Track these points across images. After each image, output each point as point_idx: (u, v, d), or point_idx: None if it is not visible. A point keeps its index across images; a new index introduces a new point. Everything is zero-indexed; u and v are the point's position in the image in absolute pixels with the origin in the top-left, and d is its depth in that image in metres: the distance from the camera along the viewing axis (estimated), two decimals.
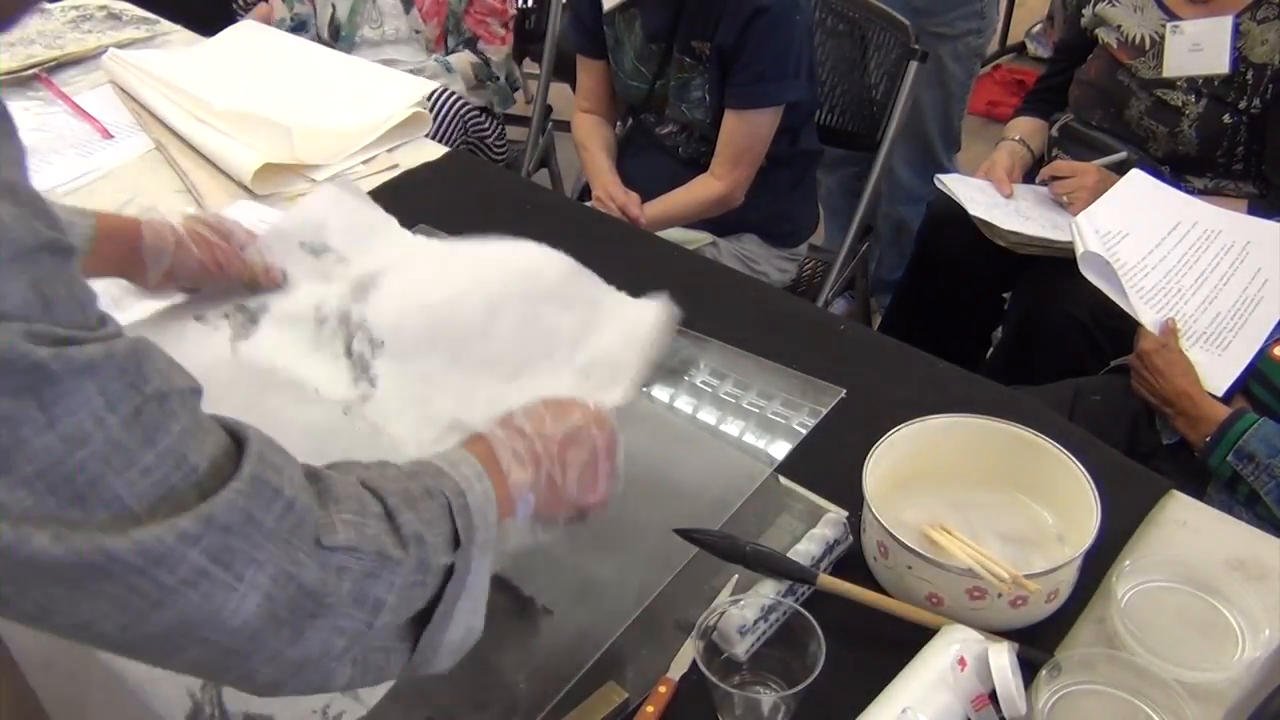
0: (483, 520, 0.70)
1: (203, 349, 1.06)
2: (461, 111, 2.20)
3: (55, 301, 0.51)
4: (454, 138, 2.19)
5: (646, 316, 1.06)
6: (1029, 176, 1.96)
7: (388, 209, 1.51)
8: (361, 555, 0.61)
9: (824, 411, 1.16)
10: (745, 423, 1.17)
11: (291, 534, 0.58)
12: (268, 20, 2.27)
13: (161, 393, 0.55)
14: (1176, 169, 1.81)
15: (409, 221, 1.49)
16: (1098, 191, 1.69)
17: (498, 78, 2.32)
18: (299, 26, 2.30)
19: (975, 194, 1.85)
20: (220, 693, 0.86)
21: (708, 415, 1.18)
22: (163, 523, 0.53)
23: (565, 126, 2.22)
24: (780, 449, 1.13)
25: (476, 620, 0.70)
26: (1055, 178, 1.83)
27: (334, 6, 2.26)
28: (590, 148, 1.97)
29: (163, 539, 0.53)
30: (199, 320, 1.10)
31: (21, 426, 0.49)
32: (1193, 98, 1.75)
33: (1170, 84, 1.77)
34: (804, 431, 1.14)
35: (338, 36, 2.28)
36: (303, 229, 1.17)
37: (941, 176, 1.89)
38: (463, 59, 2.28)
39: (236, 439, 0.59)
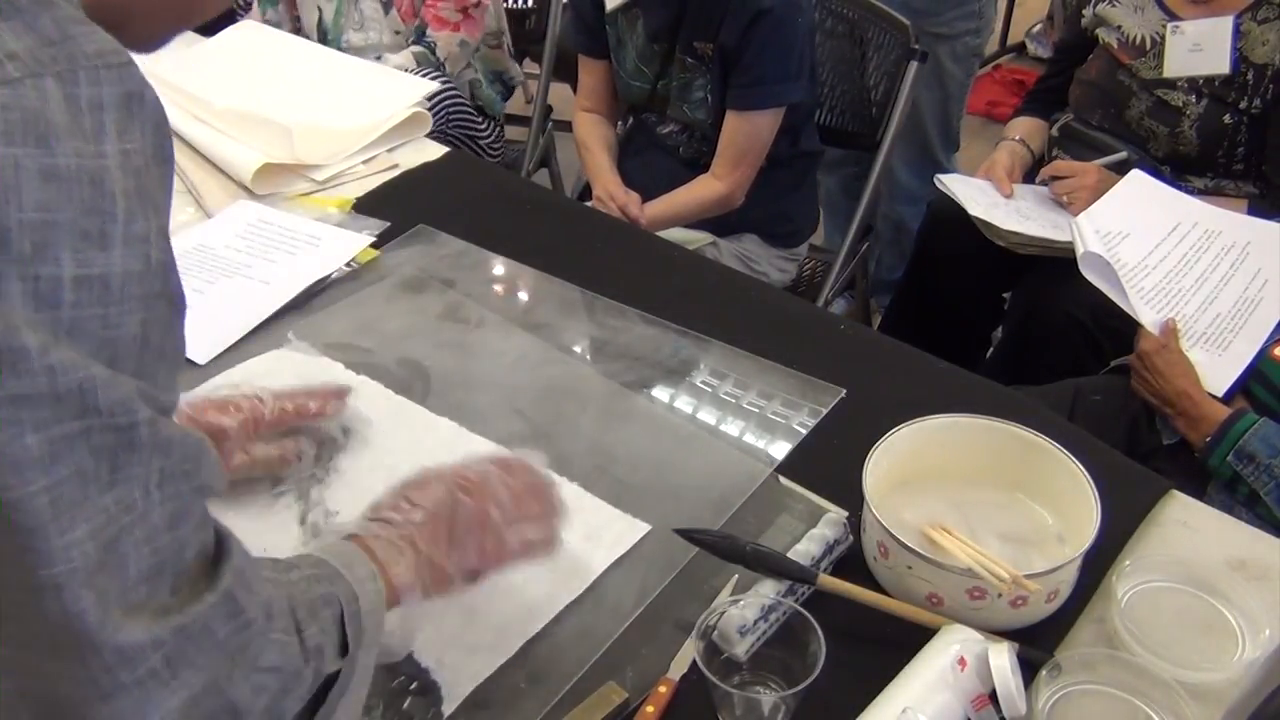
0: (373, 623, 0.71)
1: None
2: (444, 100, 2.14)
3: (149, 347, 0.54)
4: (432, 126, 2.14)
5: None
6: (1029, 176, 1.96)
7: (388, 209, 1.52)
8: (282, 675, 0.62)
9: (824, 411, 1.16)
10: (745, 423, 1.17)
11: (237, 652, 0.59)
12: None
13: (202, 487, 0.58)
14: (1177, 169, 1.81)
15: (409, 222, 1.49)
16: (1098, 191, 1.69)
17: (442, 65, 2.22)
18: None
19: (975, 194, 1.85)
20: None
21: (708, 415, 1.18)
22: (144, 626, 0.54)
23: (565, 126, 2.22)
24: (780, 449, 1.13)
25: (356, 714, 0.71)
26: (1055, 178, 1.83)
27: (319, 10, 2.24)
28: (591, 147, 1.97)
29: (141, 644, 0.54)
30: None
31: (89, 484, 0.52)
32: (1193, 98, 1.76)
33: (1171, 84, 1.77)
34: (804, 431, 1.14)
35: (324, 41, 2.27)
36: (247, 379, 1.17)
37: (941, 177, 1.89)
38: (404, 55, 2.19)
39: (219, 544, 0.61)
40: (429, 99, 2.05)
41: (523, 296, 1.39)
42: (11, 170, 0.48)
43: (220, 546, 0.60)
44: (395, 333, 1.29)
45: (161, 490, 0.55)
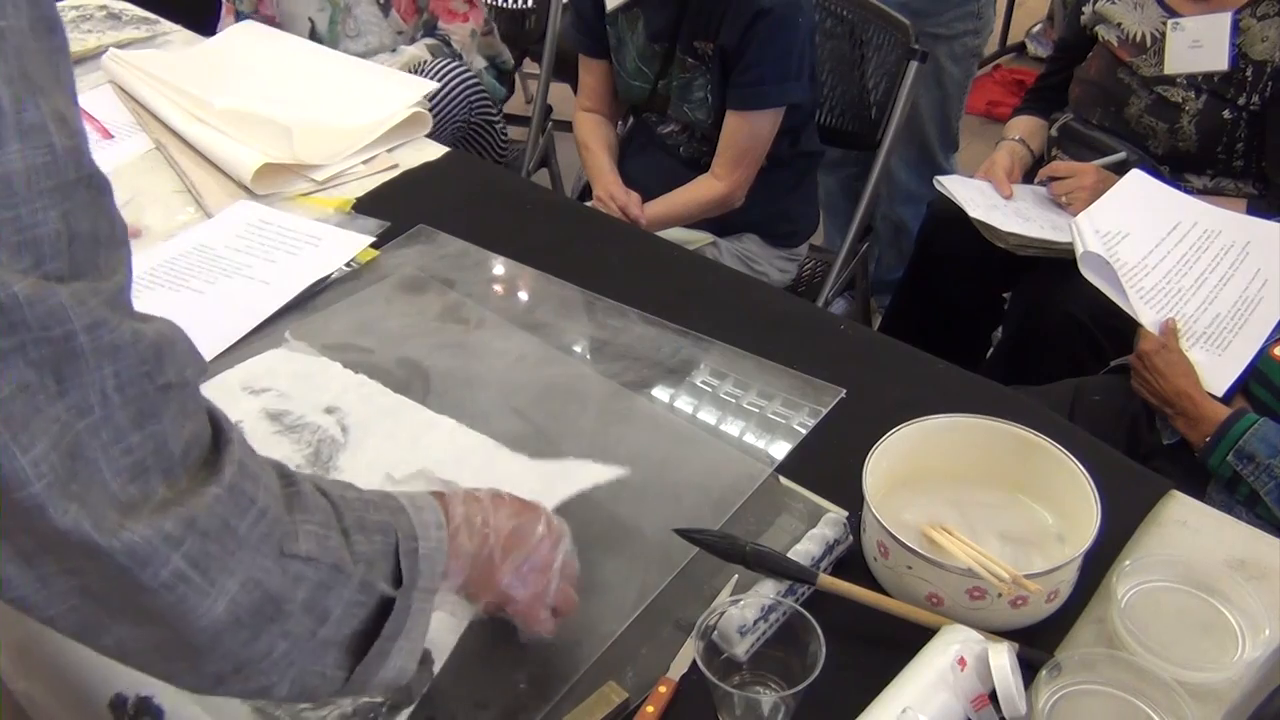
0: (429, 569, 0.71)
1: None
2: (466, 88, 2.14)
3: (78, 239, 0.52)
4: (457, 115, 2.13)
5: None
6: (1029, 176, 1.96)
7: (388, 209, 1.52)
8: (319, 566, 0.62)
9: (824, 411, 1.16)
10: (745, 423, 1.17)
11: (261, 542, 0.59)
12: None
13: (169, 384, 0.55)
14: (1176, 168, 1.81)
15: (409, 222, 1.49)
16: (1096, 192, 1.70)
17: (460, 55, 2.23)
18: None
19: (974, 195, 1.85)
20: None
21: (708, 415, 1.18)
22: (147, 522, 0.53)
23: (565, 126, 2.21)
24: (780, 449, 1.13)
25: (410, 663, 0.71)
26: (1054, 178, 1.83)
27: (312, 21, 2.23)
28: (592, 147, 1.97)
29: (150, 540, 0.53)
30: None
31: (36, 395, 0.50)
32: (1193, 94, 1.76)
33: (1170, 81, 1.78)
34: (804, 431, 1.14)
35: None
36: (249, 377, 1.19)
37: (941, 179, 1.89)
38: (419, 47, 2.20)
39: (218, 434, 0.60)
40: (451, 88, 2.04)
41: (522, 296, 1.39)
42: None
43: (219, 436, 0.59)
44: (395, 333, 1.29)
45: (121, 394, 0.53)
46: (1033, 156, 1.99)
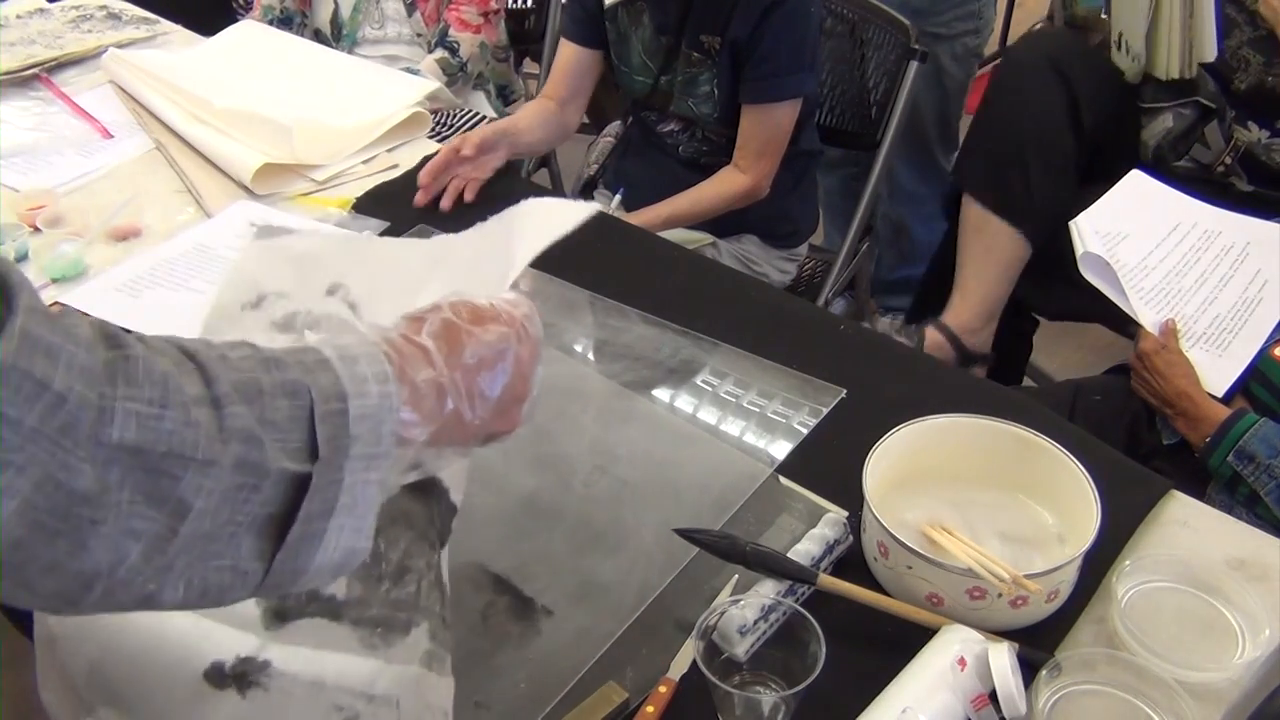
0: (368, 430, 0.60)
1: None
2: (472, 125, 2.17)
3: None
4: None
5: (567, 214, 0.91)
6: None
7: (388, 209, 1.52)
8: (147, 455, 0.52)
9: (824, 411, 1.16)
10: (746, 423, 1.17)
11: (61, 434, 0.49)
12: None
13: None
14: (1246, 110, 1.78)
15: (409, 223, 1.49)
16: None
17: (465, 65, 2.25)
18: (284, 21, 2.30)
19: None
20: None
21: (709, 415, 1.18)
22: None
23: (575, 130, 2.21)
24: (781, 449, 1.13)
25: (360, 541, 0.62)
26: None
27: (336, 4, 2.26)
28: (521, 114, 1.89)
29: None
30: None
31: None
32: None
33: None
34: (804, 431, 1.14)
35: (339, 36, 2.28)
36: (238, 291, 1.10)
37: None
38: (428, 61, 2.22)
39: (4, 294, 0.50)
40: (462, 121, 2.05)
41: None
42: None
43: (5, 300, 0.50)
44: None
45: None
46: None
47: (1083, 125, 1.82)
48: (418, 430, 0.65)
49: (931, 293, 2.12)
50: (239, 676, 0.80)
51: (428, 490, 0.83)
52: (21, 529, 0.49)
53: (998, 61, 1.99)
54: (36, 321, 0.50)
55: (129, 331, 0.57)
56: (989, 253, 1.92)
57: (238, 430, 0.55)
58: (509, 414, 0.74)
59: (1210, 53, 1.76)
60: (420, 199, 1.53)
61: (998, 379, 1.98)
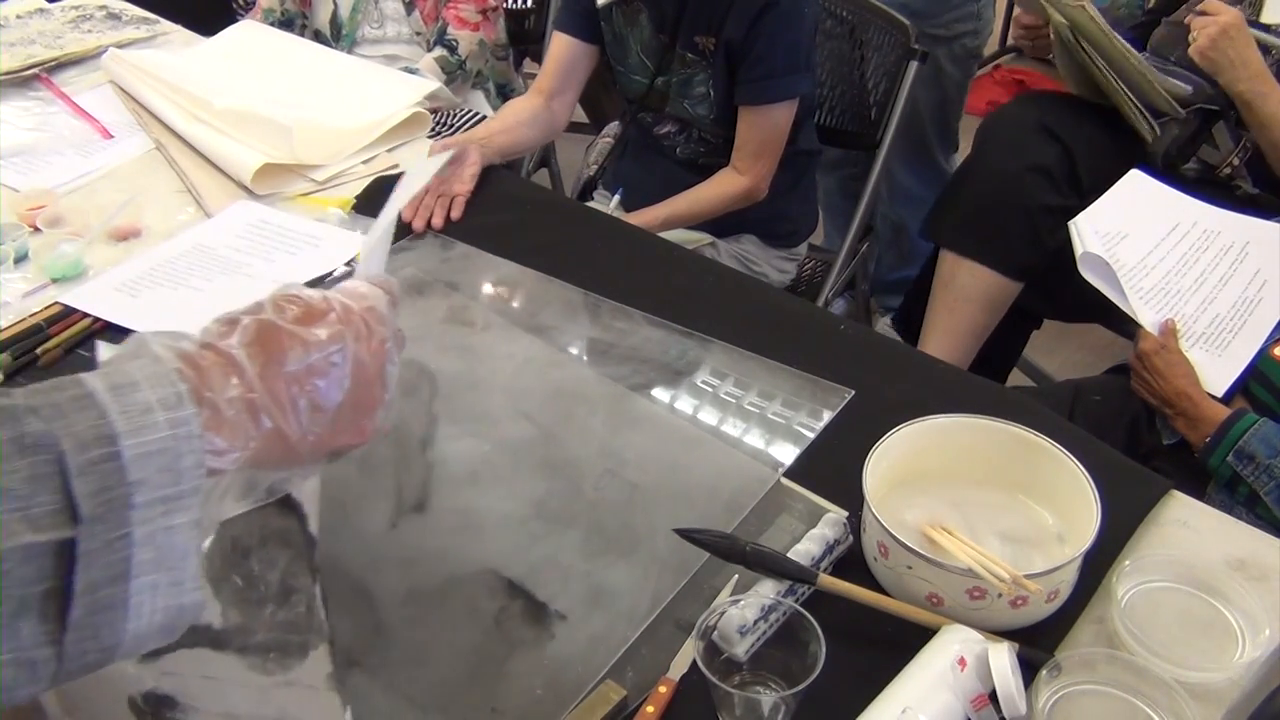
0: (157, 469, 0.51)
1: None
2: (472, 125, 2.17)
3: None
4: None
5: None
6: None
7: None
8: None
9: (832, 414, 1.16)
10: (750, 424, 1.17)
11: None
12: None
13: None
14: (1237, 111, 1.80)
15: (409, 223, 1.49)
16: (1226, 32, 1.66)
17: (464, 63, 2.25)
18: (285, 23, 2.30)
19: None
20: None
21: (715, 418, 1.18)
22: None
23: (565, 126, 2.21)
24: (788, 451, 1.12)
25: (184, 596, 0.53)
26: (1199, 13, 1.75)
27: (335, 4, 2.26)
28: (503, 111, 1.87)
29: None
30: None
31: None
32: (1277, 38, 1.75)
33: (1264, 28, 1.77)
34: (811, 435, 1.14)
35: (338, 36, 2.28)
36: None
37: None
38: (427, 59, 2.22)
39: None
40: (462, 121, 2.05)
41: (527, 299, 1.39)
42: None
43: None
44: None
45: None
46: None
47: (1080, 180, 1.82)
48: (229, 457, 0.57)
49: (917, 305, 2.12)
50: (154, 711, 0.76)
51: (292, 511, 0.73)
52: None
53: (984, 119, 1.97)
54: None
55: None
56: (951, 313, 1.90)
57: None
58: (357, 425, 0.65)
59: (1178, 92, 1.78)
60: (417, 226, 1.49)
61: (983, 374, 1.99)
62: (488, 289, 1.39)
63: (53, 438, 0.49)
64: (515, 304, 1.38)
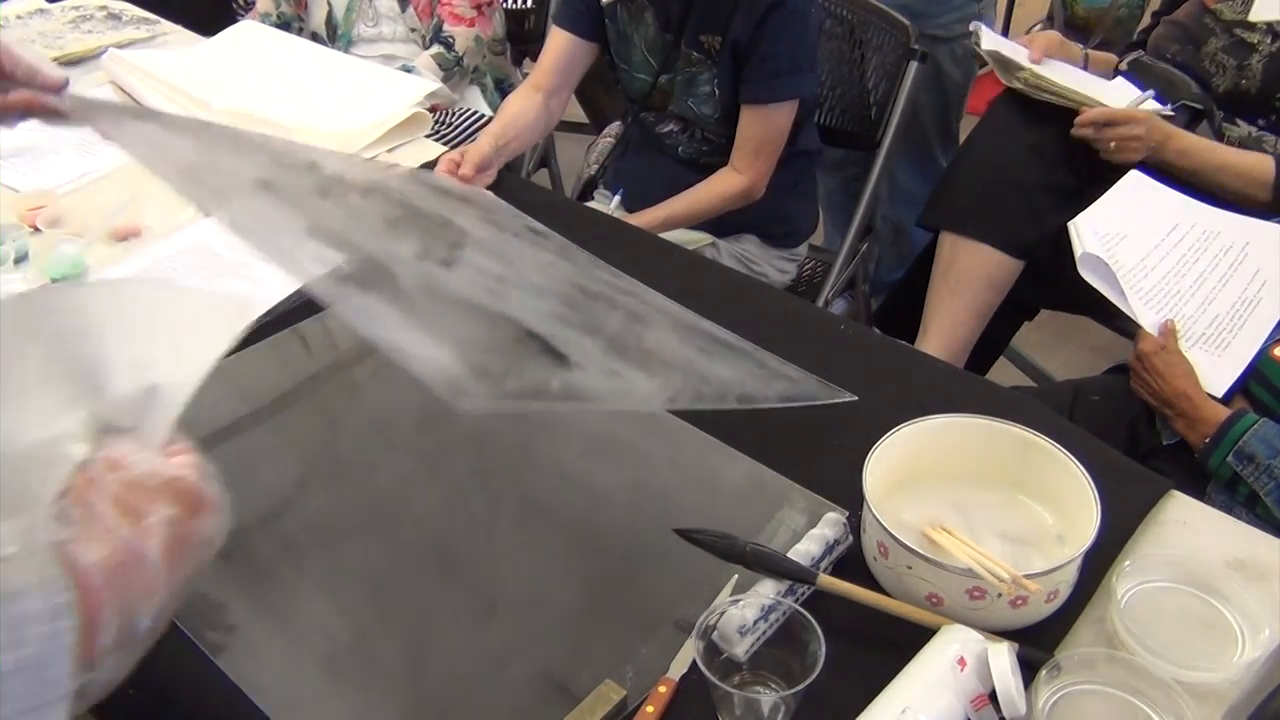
0: (22, 685, 0.49)
1: None
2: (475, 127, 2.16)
3: None
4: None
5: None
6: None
7: None
8: None
9: (825, 400, 1.14)
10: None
11: None
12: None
13: None
14: (1230, 109, 1.82)
15: None
16: (1145, 141, 1.69)
17: (461, 60, 2.25)
18: (282, 26, 2.30)
19: (1002, 45, 1.84)
20: None
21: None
22: None
23: (565, 127, 2.21)
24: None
25: None
26: (1106, 124, 1.74)
27: (330, 5, 2.26)
28: (502, 111, 1.85)
29: None
30: None
31: None
32: (1269, 39, 1.78)
33: (1251, 26, 1.80)
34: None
35: (335, 36, 2.29)
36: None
37: (977, 24, 1.89)
38: (424, 57, 2.22)
39: None
40: (462, 121, 2.04)
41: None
42: None
43: None
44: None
45: None
46: (1084, 66, 1.96)
47: (1077, 161, 1.83)
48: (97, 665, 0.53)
49: (902, 304, 2.12)
50: None
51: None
52: None
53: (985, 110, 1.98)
54: None
55: None
56: (953, 295, 1.90)
57: None
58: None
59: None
60: None
61: (971, 363, 2.01)
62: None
63: None
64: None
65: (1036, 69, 1.80)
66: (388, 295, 0.90)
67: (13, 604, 0.48)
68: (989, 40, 1.87)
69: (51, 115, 0.92)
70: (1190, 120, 1.84)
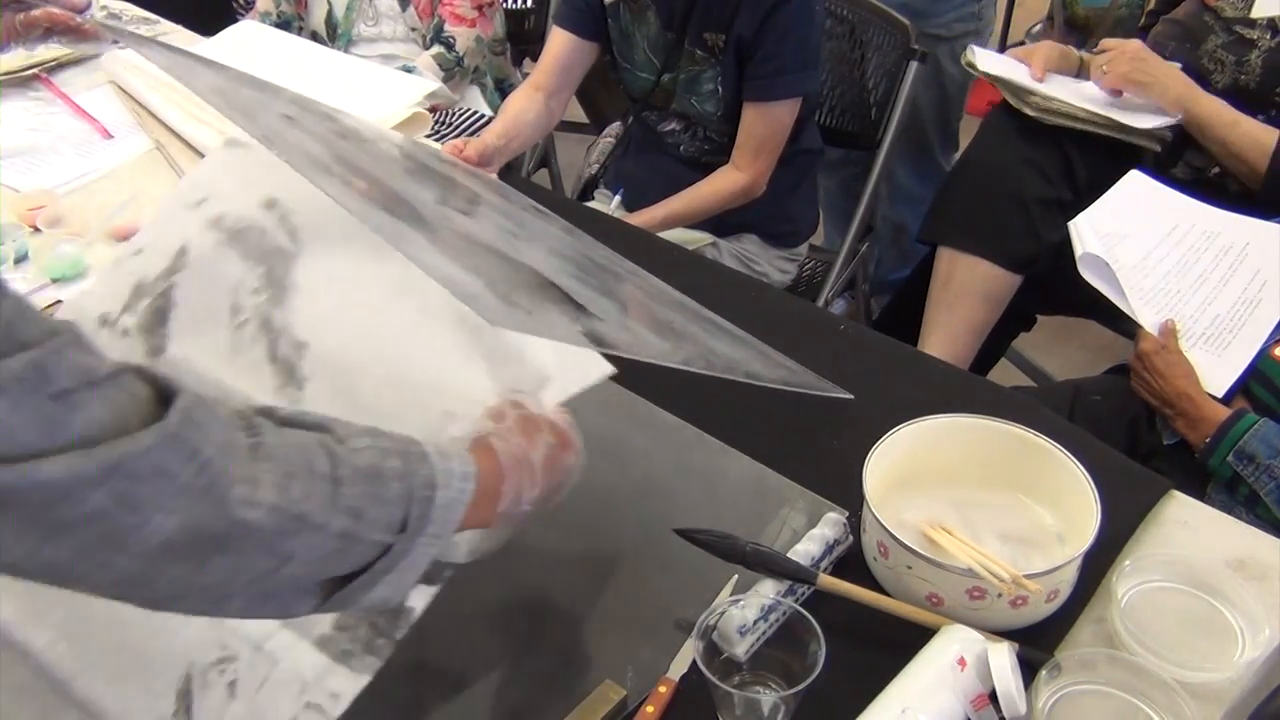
0: (443, 518, 0.73)
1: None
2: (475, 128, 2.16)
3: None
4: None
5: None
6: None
7: None
8: (280, 514, 0.64)
9: (819, 392, 1.13)
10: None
11: (206, 490, 0.61)
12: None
13: (65, 390, 0.58)
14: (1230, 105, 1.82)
15: None
16: (1135, 61, 1.70)
17: (462, 60, 2.25)
18: (282, 25, 2.30)
19: (1005, 68, 1.84)
20: (190, 714, 0.83)
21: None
22: (60, 460, 0.56)
23: (565, 126, 2.21)
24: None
25: (397, 594, 0.73)
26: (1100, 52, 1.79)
27: (330, 4, 2.26)
28: (505, 108, 1.85)
29: (61, 479, 0.56)
30: (106, 325, 1.02)
31: None
32: (1268, 35, 1.79)
33: (1251, 23, 1.80)
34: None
35: (335, 36, 2.28)
36: (185, 194, 1.09)
37: (974, 48, 1.88)
38: (425, 57, 2.21)
39: (162, 391, 0.63)
40: (462, 121, 2.04)
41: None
42: None
43: (166, 397, 0.62)
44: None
45: (20, 413, 0.56)
46: (1085, 75, 1.96)
47: (1075, 174, 1.83)
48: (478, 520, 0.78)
49: (906, 306, 2.11)
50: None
51: None
52: (159, 555, 0.61)
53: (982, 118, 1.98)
54: (198, 406, 0.63)
55: (264, 410, 0.70)
56: (950, 310, 1.90)
57: (347, 506, 0.67)
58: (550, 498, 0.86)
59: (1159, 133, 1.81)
60: None
61: (969, 370, 1.99)
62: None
63: (408, 475, 0.71)
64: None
65: (1045, 90, 1.78)
66: (415, 224, 0.96)
67: (450, 460, 0.74)
68: (985, 61, 1.86)
69: (75, 34, 0.98)
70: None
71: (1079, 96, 1.79)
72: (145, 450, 0.59)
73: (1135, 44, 1.78)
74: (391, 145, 1.23)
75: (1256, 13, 1.80)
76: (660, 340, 1.01)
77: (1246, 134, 1.70)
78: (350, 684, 0.80)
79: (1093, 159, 1.81)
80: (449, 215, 1.09)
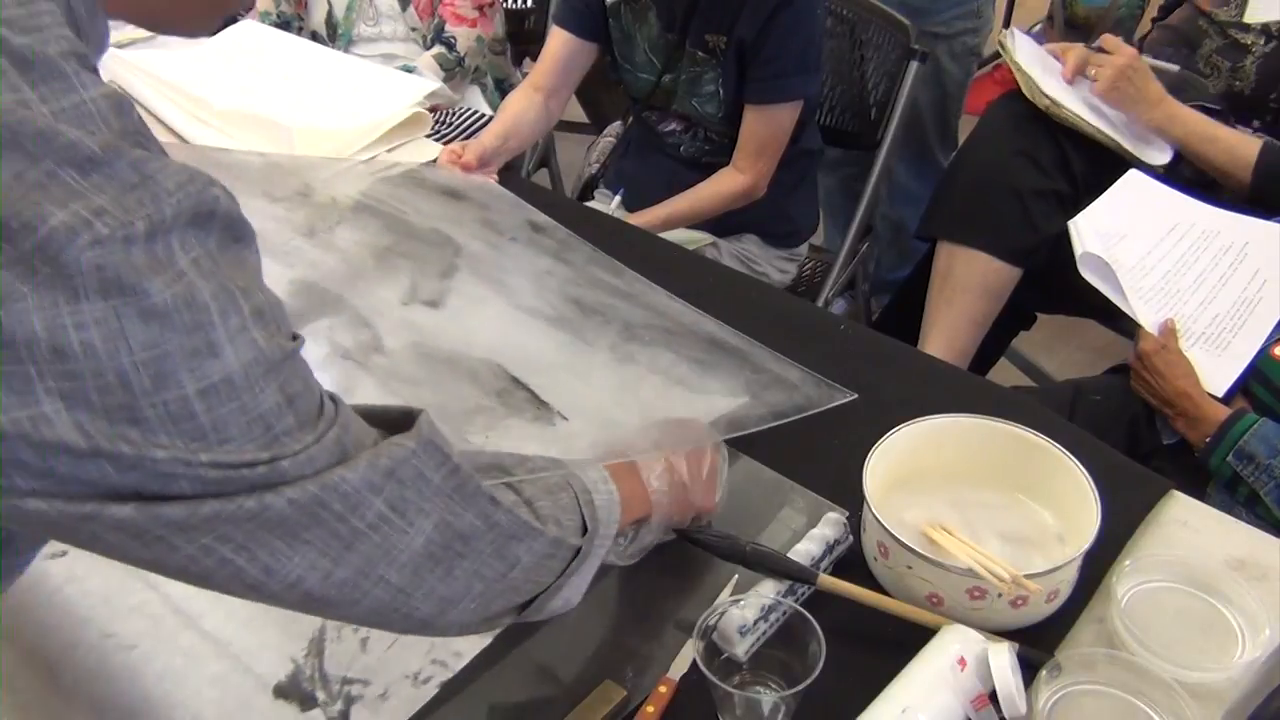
0: (607, 517, 0.81)
1: None
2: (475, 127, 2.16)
3: (296, 399, 0.59)
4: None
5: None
6: None
7: None
8: (513, 516, 0.71)
9: (825, 407, 1.14)
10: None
11: (455, 491, 0.67)
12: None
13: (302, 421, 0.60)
14: (1226, 110, 1.82)
15: None
16: (1124, 73, 1.71)
17: (463, 60, 2.25)
18: (281, 25, 2.30)
19: (1035, 58, 1.83)
20: (322, 659, 0.91)
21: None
22: (355, 467, 0.61)
23: (565, 126, 2.21)
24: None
25: (575, 596, 0.80)
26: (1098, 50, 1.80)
27: (330, 4, 2.26)
28: (504, 108, 1.85)
29: (357, 484, 0.61)
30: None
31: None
32: (1262, 40, 1.79)
33: (1245, 28, 1.81)
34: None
35: (335, 36, 2.28)
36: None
37: (1015, 31, 1.88)
38: (426, 57, 2.22)
39: (407, 418, 0.68)
40: (462, 121, 2.04)
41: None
42: (115, 320, 0.51)
43: (408, 419, 0.67)
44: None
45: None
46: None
47: (1071, 166, 1.82)
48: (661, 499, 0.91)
49: (906, 304, 2.11)
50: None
51: None
52: (421, 558, 0.66)
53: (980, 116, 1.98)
54: (432, 426, 0.67)
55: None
56: (950, 305, 1.90)
57: (549, 516, 0.75)
58: (710, 494, 0.99)
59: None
60: None
61: (970, 369, 1.99)
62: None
63: (569, 484, 0.80)
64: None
65: (1061, 98, 1.77)
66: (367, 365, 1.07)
67: (587, 469, 0.83)
68: (1021, 51, 1.84)
69: None
70: None
71: (1092, 112, 1.77)
72: (409, 455, 0.64)
73: (1128, 56, 1.76)
74: (368, 207, 1.26)
75: (1250, 17, 1.80)
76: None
77: (1224, 150, 1.70)
78: (472, 644, 0.91)
79: (1089, 151, 1.81)
80: (413, 321, 1.15)
